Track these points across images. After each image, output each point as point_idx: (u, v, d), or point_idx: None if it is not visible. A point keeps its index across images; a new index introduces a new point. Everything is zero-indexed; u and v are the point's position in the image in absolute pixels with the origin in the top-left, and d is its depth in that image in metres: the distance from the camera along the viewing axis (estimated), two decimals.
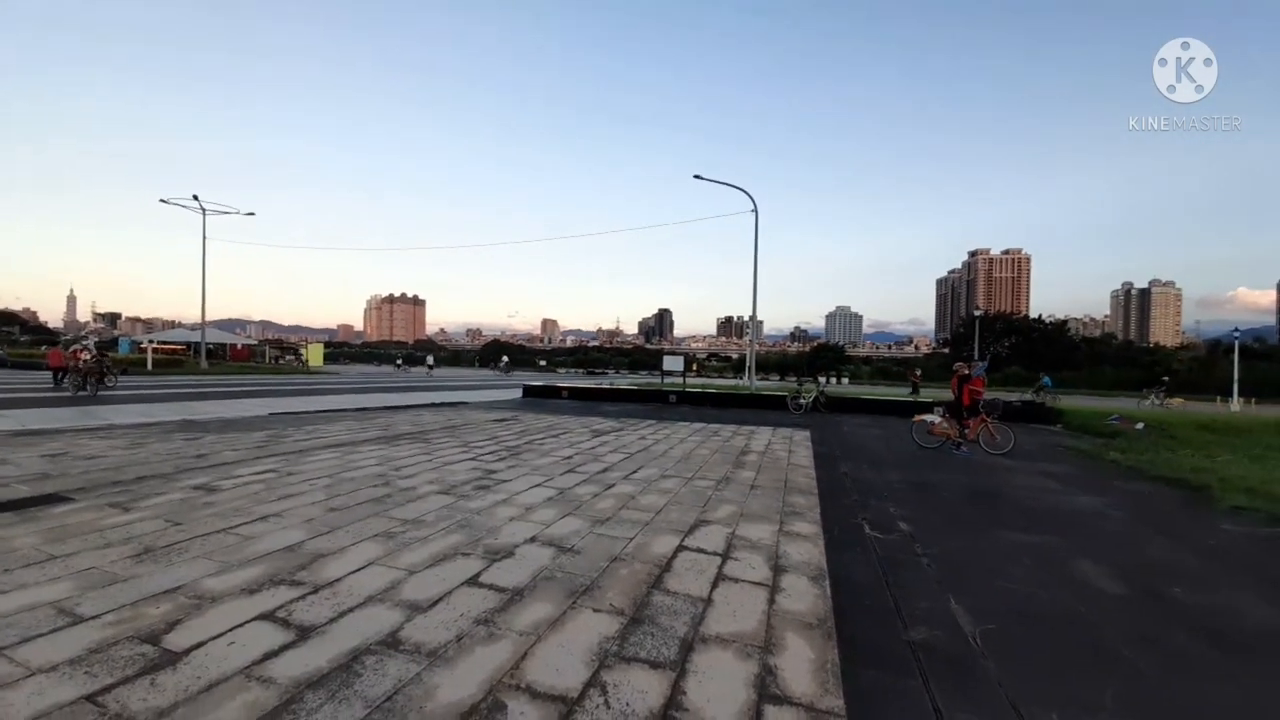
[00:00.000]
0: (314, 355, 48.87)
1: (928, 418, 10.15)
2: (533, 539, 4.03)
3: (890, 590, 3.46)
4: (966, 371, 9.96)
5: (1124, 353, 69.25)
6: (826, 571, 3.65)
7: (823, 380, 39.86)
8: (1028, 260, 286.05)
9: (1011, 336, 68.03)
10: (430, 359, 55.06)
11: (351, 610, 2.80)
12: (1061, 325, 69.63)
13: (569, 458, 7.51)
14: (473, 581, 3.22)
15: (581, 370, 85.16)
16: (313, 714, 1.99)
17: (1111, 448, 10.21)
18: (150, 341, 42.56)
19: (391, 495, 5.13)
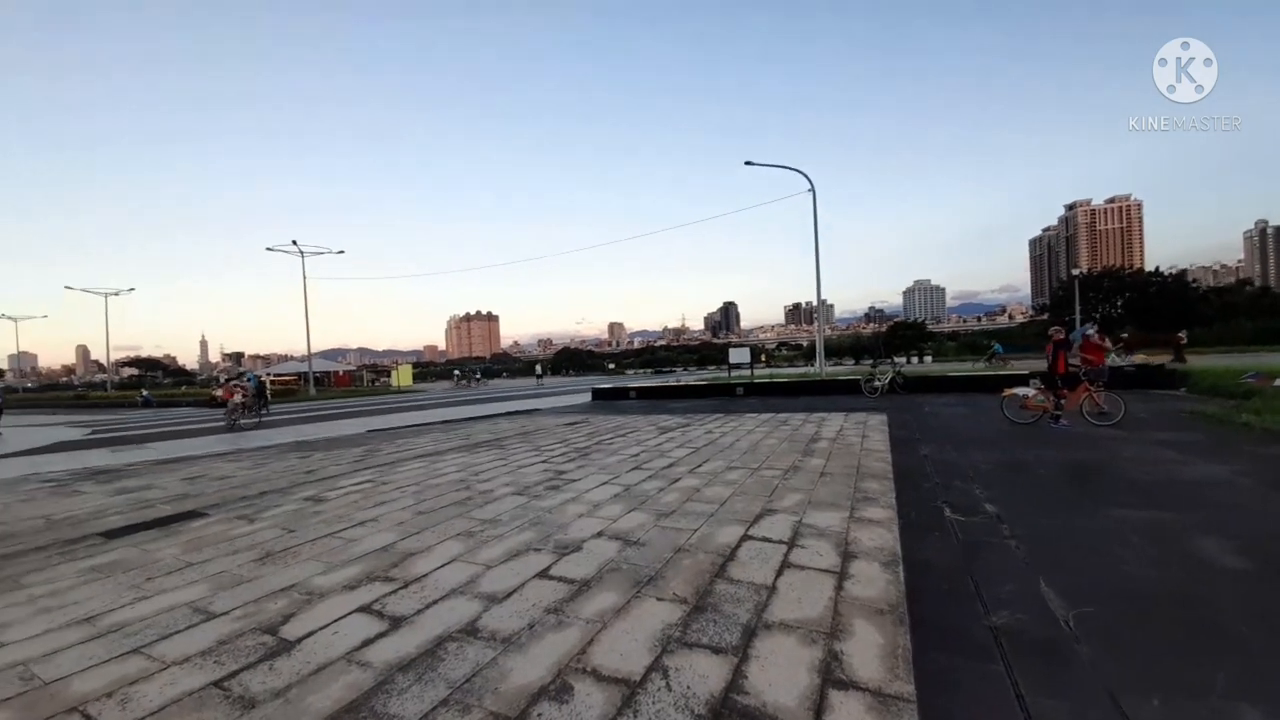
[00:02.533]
0: (404, 376, 52.73)
1: (1020, 391, 9.42)
2: (600, 533, 4.18)
3: (972, 574, 3.28)
4: (1062, 336, 9.14)
5: (1260, 301, 59.51)
6: (900, 557, 3.51)
7: (900, 360, 37.76)
8: (1138, 207, 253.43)
9: (1123, 294, 61.05)
10: (538, 368, 56.59)
11: (436, 602, 3.05)
12: (1180, 276, 61.62)
13: (636, 455, 7.64)
14: (543, 574, 3.40)
15: (649, 370, 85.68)
16: (403, 693, 2.21)
17: (1244, 409, 8.95)
18: (268, 375, 47.78)
19: (471, 498, 5.48)
